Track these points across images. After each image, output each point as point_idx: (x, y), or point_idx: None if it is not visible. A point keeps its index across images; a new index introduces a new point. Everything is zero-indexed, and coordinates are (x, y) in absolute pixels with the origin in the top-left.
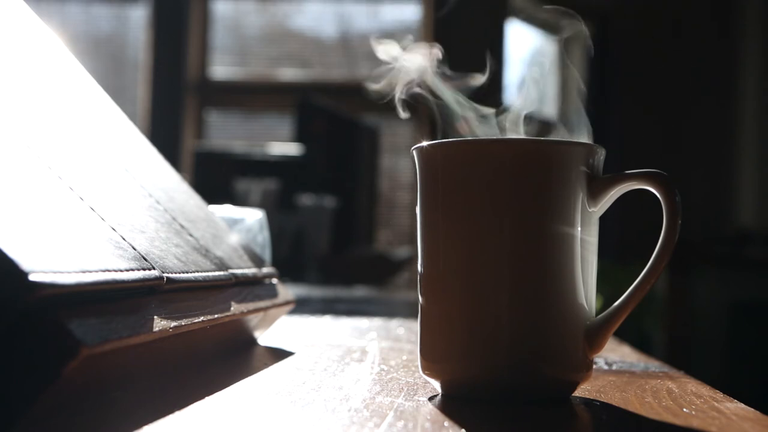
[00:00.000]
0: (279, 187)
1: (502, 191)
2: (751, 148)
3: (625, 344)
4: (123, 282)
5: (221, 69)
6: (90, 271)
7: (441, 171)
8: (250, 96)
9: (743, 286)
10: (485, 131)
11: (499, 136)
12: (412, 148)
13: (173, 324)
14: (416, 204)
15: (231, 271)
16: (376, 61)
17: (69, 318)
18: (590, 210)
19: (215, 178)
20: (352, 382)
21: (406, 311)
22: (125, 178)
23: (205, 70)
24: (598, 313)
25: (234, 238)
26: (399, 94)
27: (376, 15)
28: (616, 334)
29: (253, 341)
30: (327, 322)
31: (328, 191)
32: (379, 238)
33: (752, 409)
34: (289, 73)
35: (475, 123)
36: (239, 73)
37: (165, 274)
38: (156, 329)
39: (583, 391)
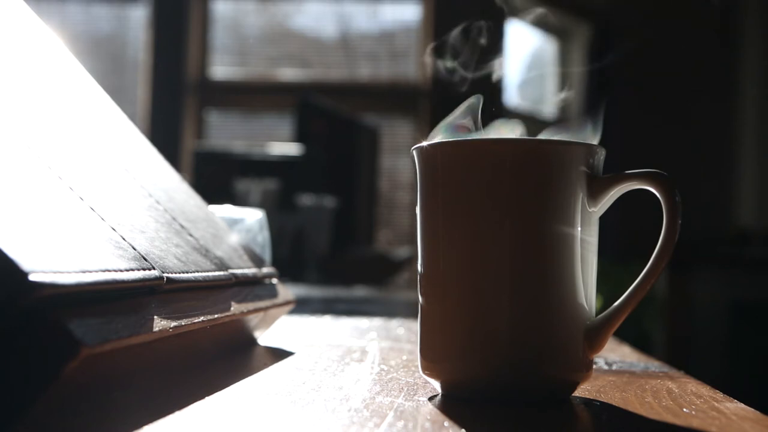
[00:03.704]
0: (279, 187)
1: (502, 191)
2: (751, 149)
3: (625, 344)
4: (123, 282)
5: (221, 69)
6: (90, 271)
7: (441, 171)
8: (250, 96)
9: (743, 286)
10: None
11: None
12: (412, 148)
13: (173, 324)
14: (416, 204)
15: (231, 271)
16: (376, 61)
17: (69, 318)
18: (590, 210)
19: (215, 178)
20: (352, 382)
21: (406, 311)
22: (125, 178)
23: (205, 70)
24: (598, 313)
25: (234, 238)
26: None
27: (376, 15)
28: (616, 334)
29: (253, 341)
30: (327, 322)
31: (328, 191)
32: (379, 238)
33: (752, 409)
34: (289, 73)
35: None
36: (239, 73)
37: (165, 274)
38: (156, 329)
39: (583, 391)
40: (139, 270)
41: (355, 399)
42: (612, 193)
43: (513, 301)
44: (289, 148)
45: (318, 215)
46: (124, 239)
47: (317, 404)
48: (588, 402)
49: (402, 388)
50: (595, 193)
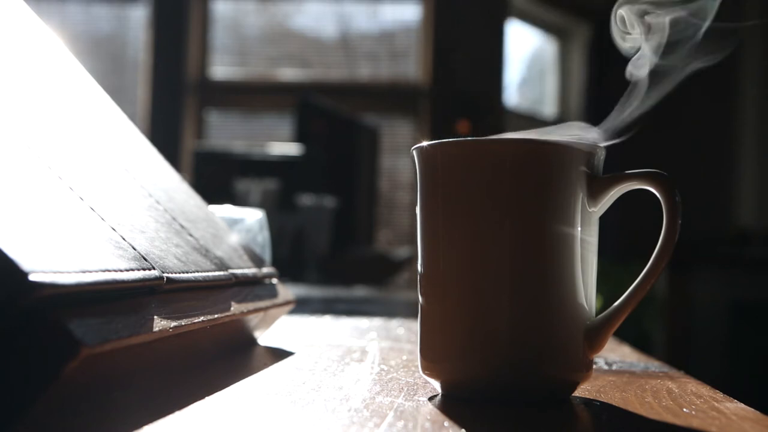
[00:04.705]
0: (279, 187)
1: (502, 191)
2: (751, 149)
3: (625, 344)
4: (123, 282)
5: (221, 69)
6: (90, 271)
7: (441, 171)
8: (250, 96)
9: (743, 286)
10: None
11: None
12: (412, 148)
13: (173, 324)
14: (416, 204)
15: (231, 271)
16: (376, 61)
17: (69, 318)
18: (590, 210)
19: (215, 178)
20: (352, 382)
21: (406, 311)
22: (125, 178)
23: (205, 70)
24: (598, 313)
25: (234, 238)
26: None
27: (376, 15)
28: (616, 334)
29: (253, 341)
30: (327, 322)
31: (328, 191)
32: (379, 238)
33: (752, 409)
34: (289, 73)
35: None
36: (239, 73)
37: (165, 274)
38: (156, 329)
39: (583, 391)
40: (139, 270)
41: (355, 399)
42: (612, 193)
43: (513, 301)
44: (289, 148)
45: (318, 215)
46: (124, 239)
47: (317, 404)
48: (588, 402)
49: (402, 388)
50: (595, 193)
